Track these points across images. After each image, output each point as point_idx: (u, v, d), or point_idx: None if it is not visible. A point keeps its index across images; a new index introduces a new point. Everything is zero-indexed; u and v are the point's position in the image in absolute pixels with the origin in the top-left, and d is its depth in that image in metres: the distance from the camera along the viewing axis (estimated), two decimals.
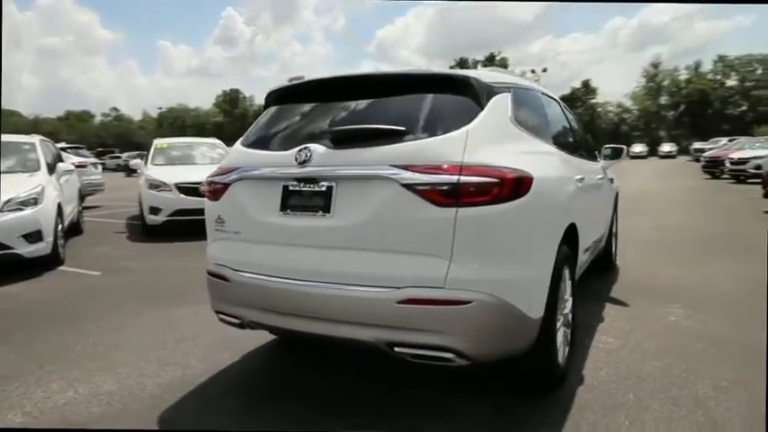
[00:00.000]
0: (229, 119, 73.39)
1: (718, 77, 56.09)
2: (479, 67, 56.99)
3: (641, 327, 3.71)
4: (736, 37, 75.04)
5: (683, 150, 41.45)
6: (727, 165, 17.45)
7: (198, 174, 8.29)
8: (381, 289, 2.19)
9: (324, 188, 2.34)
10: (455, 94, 2.43)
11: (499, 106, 2.50)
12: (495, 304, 2.15)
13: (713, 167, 19.66)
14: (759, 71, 53.77)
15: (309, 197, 2.37)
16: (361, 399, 2.79)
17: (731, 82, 55.48)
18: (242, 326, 2.69)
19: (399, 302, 2.15)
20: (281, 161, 2.46)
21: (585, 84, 61.02)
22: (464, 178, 2.11)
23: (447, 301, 2.12)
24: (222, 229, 2.70)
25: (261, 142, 2.72)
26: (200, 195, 7.94)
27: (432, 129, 2.30)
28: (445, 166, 2.13)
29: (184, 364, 3.27)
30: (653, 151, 45.15)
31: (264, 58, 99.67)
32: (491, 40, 79.88)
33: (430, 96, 2.45)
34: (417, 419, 2.52)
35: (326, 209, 2.32)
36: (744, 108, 53.64)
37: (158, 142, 9.56)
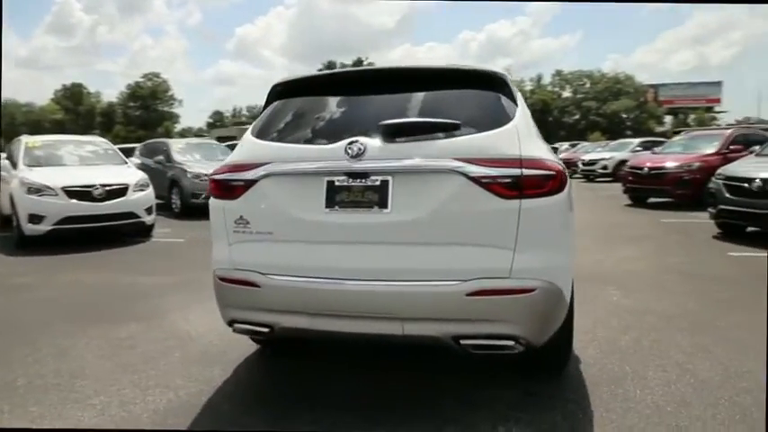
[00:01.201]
0: (72, 116, 65.40)
1: (556, 89, 63.57)
2: None
3: (596, 307, 4.12)
4: (565, 54, 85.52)
5: None
6: (580, 166, 19.89)
7: (90, 175, 7.40)
8: (449, 282, 2.19)
9: (378, 183, 2.26)
10: (490, 89, 2.50)
11: (523, 103, 2.63)
12: (552, 290, 2.26)
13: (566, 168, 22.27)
14: (587, 85, 62.09)
15: (361, 192, 2.28)
16: (392, 394, 2.74)
17: (566, 93, 63.23)
18: (270, 335, 2.47)
19: (468, 295, 2.17)
20: (325, 155, 2.32)
21: None
22: (526, 171, 2.19)
23: (513, 290, 2.19)
24: (246, 231, 2.45)
25: (288, 135, 2.53)
26: (95, 200, 7.15)
27: (480, 123, 2.34)
28: (509, 160, 2.20)
29: (172, 386, 2.92)
30: None
31: (110, 51, 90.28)
32: (353, 44, 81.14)
33: (467, 91, 2.50)
34: (456, 410, 2.56)
35: (383, 204, 2.25)
36: (577, 117, 61.45)
37: (29, 140, 8.23)
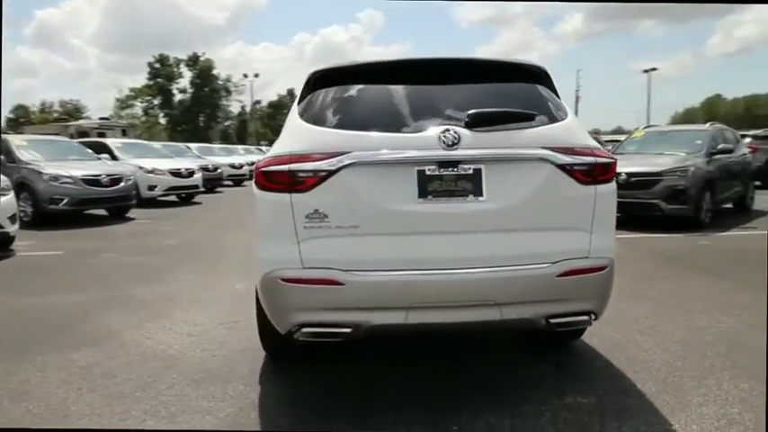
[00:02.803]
0: None
1: None
2: (182, 66, 53.85)
3: None
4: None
5: None
6: None
7: None
8: (541, 265, 2.30)
9: (470, 171, 2.27)
10: (541, 83, 2.65)
11: None
12: (613, 266, 2.51)
13: None
14: None
15: (453, 181, 2.27)
16: (449, 386, 2.75)
17: None
18: (349, 336, 2.31)
19: (558, 276, 2.31)
20: (416, 143, 2.26)
21: (290, 92, 64.46)
22: (599, 159, 2.40)
23: (592, 268, 2.39)
24: (323, 225, 2.25)
25: (363, 124, 2.37)
26: None
27: (546, 114, 2.49)
28: (585, 149, 2.38)
29: (201, 410, 2.56)
30: None
31: None
32: (181, 38, 74.27)
33: (523, 84, 2.63)
34: (519, 390, 2.68)
35: (477, 192, 2.27)
36: None
37: None
